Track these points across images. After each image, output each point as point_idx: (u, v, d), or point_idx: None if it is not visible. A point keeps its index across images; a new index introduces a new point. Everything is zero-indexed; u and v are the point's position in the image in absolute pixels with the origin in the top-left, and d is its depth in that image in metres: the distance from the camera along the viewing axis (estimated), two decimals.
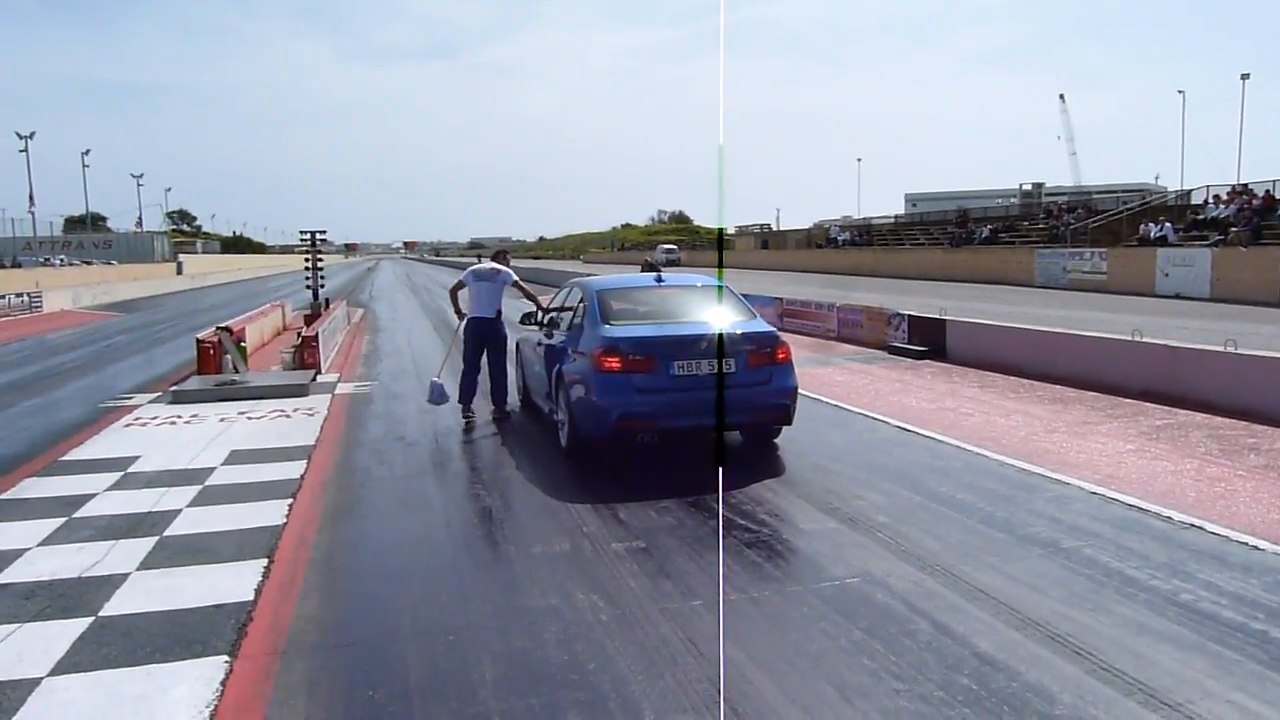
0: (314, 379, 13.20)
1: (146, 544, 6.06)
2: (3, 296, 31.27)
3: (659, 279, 8.94)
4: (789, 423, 8.08)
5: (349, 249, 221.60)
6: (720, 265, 62.16)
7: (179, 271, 67.29)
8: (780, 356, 7.84)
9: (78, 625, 4.78)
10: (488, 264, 10.52)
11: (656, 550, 5.70)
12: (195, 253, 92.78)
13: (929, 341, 14.76)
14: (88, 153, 70.75)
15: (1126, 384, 10.84)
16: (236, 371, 13.78)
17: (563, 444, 8.33)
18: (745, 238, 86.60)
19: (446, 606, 4.91)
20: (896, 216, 68.43)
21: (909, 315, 15.69)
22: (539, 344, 9.69)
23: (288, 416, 10.65)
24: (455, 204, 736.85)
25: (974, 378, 12.41)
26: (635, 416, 7.43)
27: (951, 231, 48.06)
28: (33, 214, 54.60)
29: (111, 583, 5.36)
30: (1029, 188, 77.13)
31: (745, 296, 22.31)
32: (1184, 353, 10.50)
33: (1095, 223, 36.82)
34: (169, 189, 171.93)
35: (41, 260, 53.39)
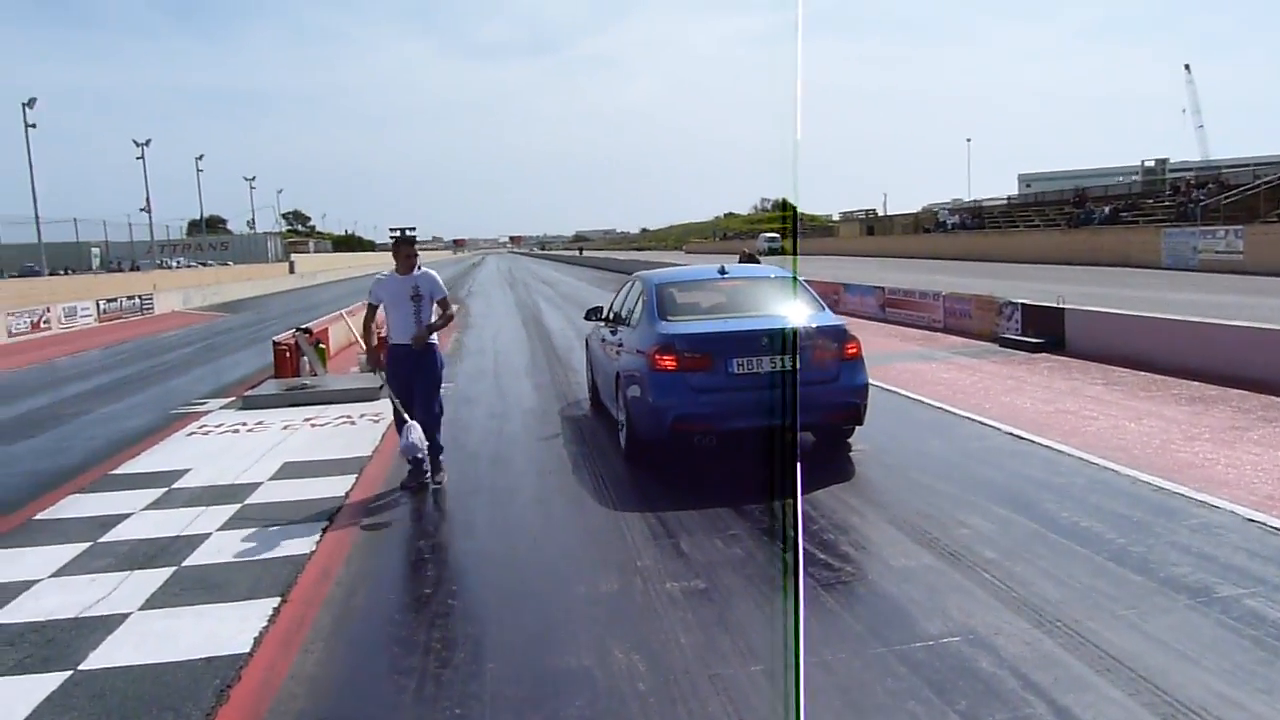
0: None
1: (160, 576, 5.51)
2: (115, 299, 32.18)
3: (722, 271, 8.38)
4: (860, 422, 7.55)
5: (457, 245, 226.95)
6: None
7: (290, 271, 69.13)
8: (849, 351, 7.36)
9: (51, 681, 4.21)
10: (398, 275, 7.25)
11: (718, 593, 4.86)
12: (307, 252, 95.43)
13: (1046, 332, 13.45)
14: (201, 157, 73.07)
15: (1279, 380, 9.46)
16: (314, 374, 13.48)
17: (622, 446, 7.88)
18: (850, 223, 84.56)
19: (460, 667, 4.17)
20: (1009, 198, 65.74)
21: (1022, 304, 14.39)
22: (604, 340, 9.10)
23: (353, 423, 10.16)
24: (559, 198, 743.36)
25: (1097, 374, 11.12)
26: (692, 418, 7.04)
27: (1069, 212, 45.65)
28: (149, 218, 56.51)
29: (107, 625, 4.80)
30: (1151, 164, 72.94)
31: (846, 285, 21.61)
32: None
33: (1229, 198, 34.17)
34: (280, 190, 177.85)
35: (159, 263, 55.31)
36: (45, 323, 27.16)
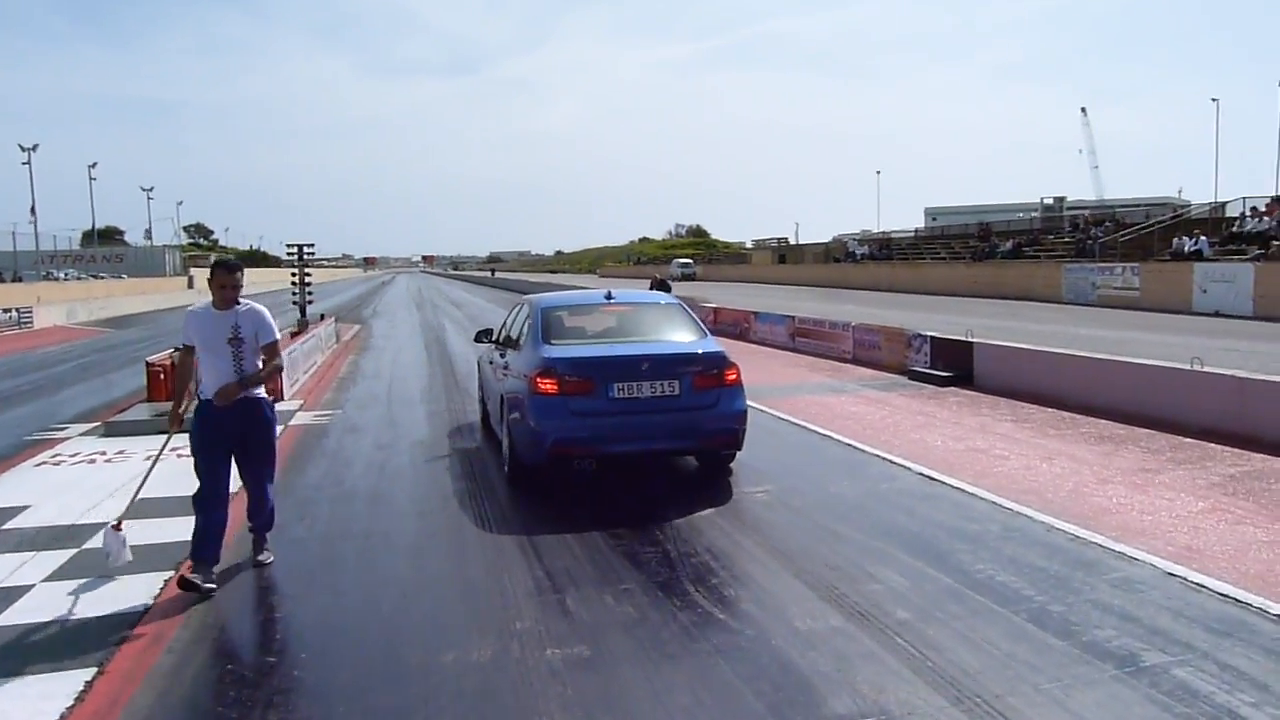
0: None
1: (60, 558, 4.76)
2: None
3: (609, 296, 8.43)
4: (738, 448, 7.65)
5: (368, 263, 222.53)
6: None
7: (189, 285, 66.44)
8: (729, 378, 7.42)
9: None
10: (214, 310, 5.59)
11: (602, 661, 4.31)
12: (208, 267, 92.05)
13: (954, 366, 13.30)
14: (95, 165, 70.32)
15: (1185, 420, 9.36)
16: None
17: (505, 469, 7.88)
18: (762, 251, 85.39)
19: None
20: (916, 230, 66.99)
21: (932, 337, 14.25)
22: (492, 363, 9.04)
23: None
24: (475, 218, 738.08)
25: (1006, 409, 10.95)
26: (572, 442, 7.01)
27: (973, 246, 46.56)
28: (34, 226, 53.73)
29: None
30: (1050, 201, 75.33)
31: (757, 314, 21.38)
32: (1255, 385, 9.01)
33: (1125, 236, 35.18)
34: (180, 202, 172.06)
35: (45, 274, 52.52)
36: None
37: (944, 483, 7.47)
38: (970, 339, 13.37)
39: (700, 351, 7.48)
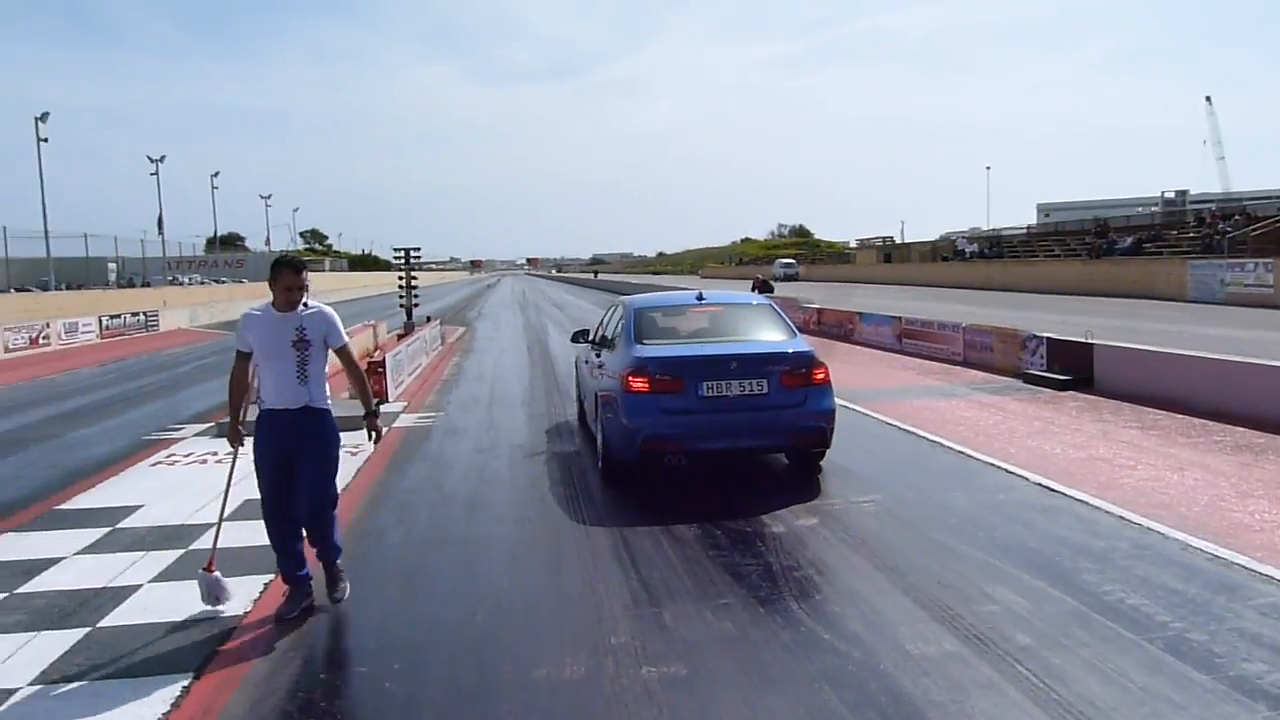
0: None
1: (67, 640, 4.80)
2: (119, 315, 31.71)
3: (699, 297, 8.68)
4: (826, 446, 7.72)
5: (474, 266, 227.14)
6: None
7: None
8: (817, 377, 7.50)
9: None
10: (275, 311, 5.06)
11: (699, 682, 4.10)
12: (322, 270, 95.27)
13: (1072, 369, 12.63)
14: (217, 174, 73.16)
15: None
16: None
17: (599, 465, 8.13)
18: (866, 251, 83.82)
19: None
20: (1029, 227, 64.95)
21: (1048, 338, 13.58)
22: (588, 362, 9.35)
23: None
24: (578, 220, 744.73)
25: (1131, 415, 10.31)
26: (662, 439, 7.23)
27: (1089, 242, 44.77)
28: (161, 234, 56.33)
29: None
30: (1172, 195, 72.06)
31: (862, 314, 20.85)
32: None
33: (1257, 230, 33.25)
34: (296, 209, 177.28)
35: (170, 280, 55.04)
36: (45, 338, 26.67)
37: (1065, 494, 7.02)
38: (1090, 340, 12.69)
39: (788, 351, 7.56)
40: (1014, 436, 9.38)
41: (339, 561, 5.26)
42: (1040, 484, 7.34)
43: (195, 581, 5.24)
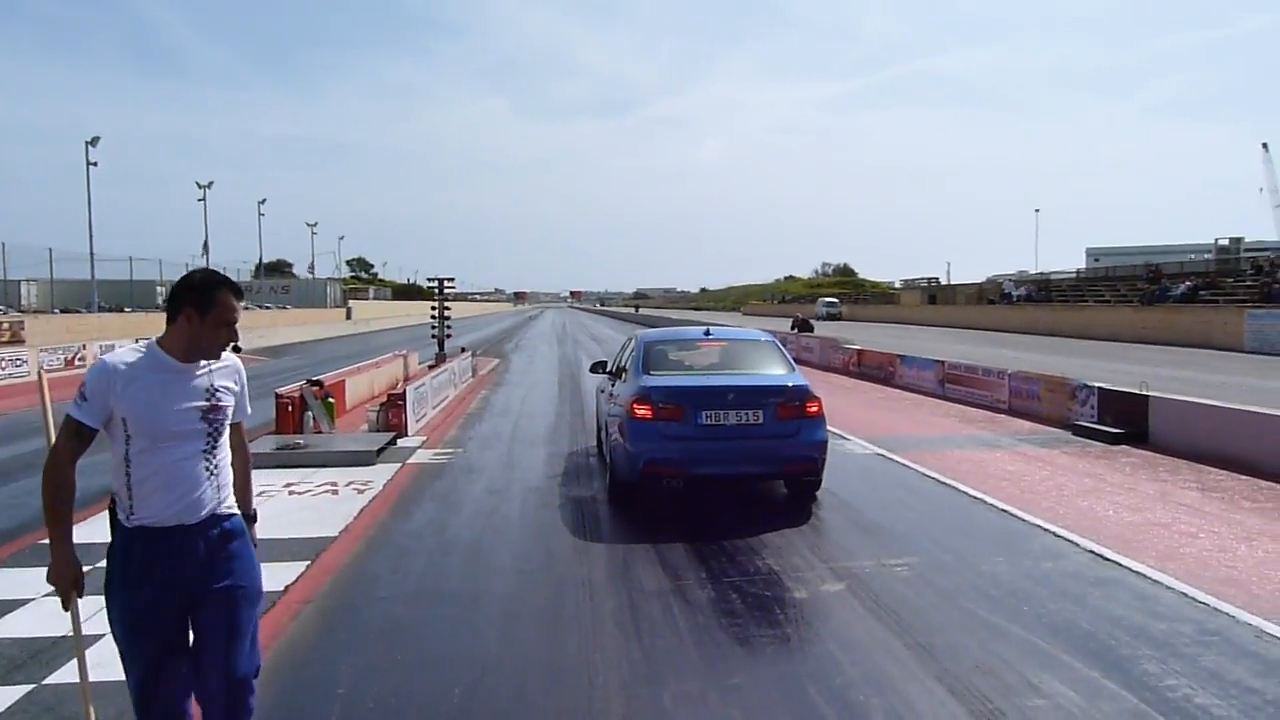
0: (392, 443, 11.67)
1: (8, 697, 4.36)
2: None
3: (707, 332, 9.22)
4: (817, 475, 8.12)
5: (518, 298, 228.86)
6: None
7: (347, 317, 69.29)
8: (810, 409, 7.90)
9: None
10: (169, 359, 3.07)
11: None
12: (367, 299, 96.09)
13: (1126, 421, 11.90)
14: (264, 201, 74.08)
15: None
16: (319, 431, 12.48)
17: (607, 483, 8.78)
18: (911, 292, 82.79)
19: None
20: (1078, 271, 63.61)
21: (1099, 387, 12.85)
22: (602, 391, 10.02)
23: (335, 493, 9.06)
24: (622, 254, 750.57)
25: (1190, 475, 9.58)
26: (663, 462, 7.65)
27: (1141, 288, 43.54)
28: (206, 259, 56.65)
29: None
30: (1226, 242, 70.13)
31: (903, 357, 20.18)
32: None
33: None
34: (342, 237, 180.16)
35: None
36: (80, 360, 26.72)
37: (1120, 564, 6.36)
38: (1145, 391, 11.95)
39: (783, 384, 8.01)
40: (1063, 495, 8.70)
41: None
42: (1093, 551, 6.69)
43: None
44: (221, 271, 3.46)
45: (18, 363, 24.13)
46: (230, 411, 3.18)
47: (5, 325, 29.37)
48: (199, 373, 3.10)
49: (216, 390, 3.13)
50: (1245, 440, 10.06)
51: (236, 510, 3.24)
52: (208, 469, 3.09)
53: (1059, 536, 7.13)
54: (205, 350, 3.11)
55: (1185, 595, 5.70)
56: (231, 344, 3.19)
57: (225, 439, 3.20)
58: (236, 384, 3.24)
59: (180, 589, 3.02)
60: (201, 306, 3.06)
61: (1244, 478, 9.30)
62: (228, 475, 3.20)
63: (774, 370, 8.44)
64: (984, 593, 5.81)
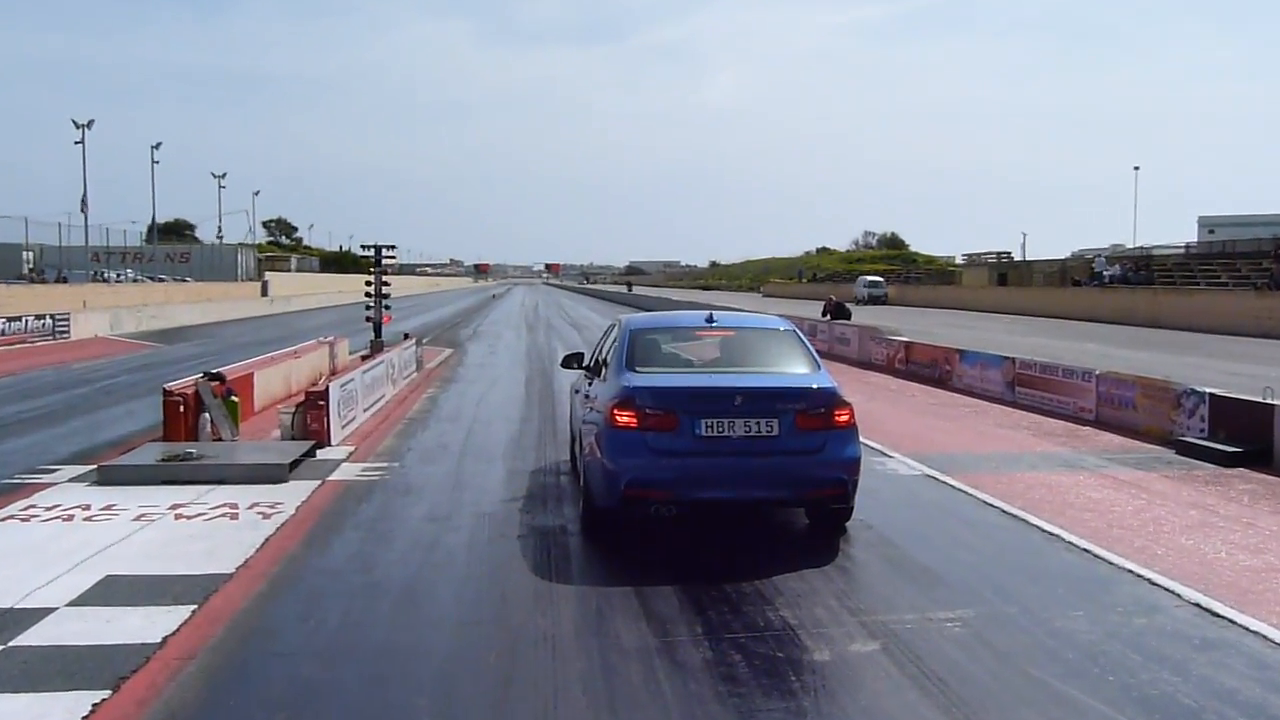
0: (310, 454, 11.63)
1: None
2: (19, 318, 31.69)
3: (709, 319, 9.03)
4: (847, 503, 8.02)
5: (479, 271, 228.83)
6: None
7: (264, 293, 69.32)
8: (839, 419, 7.80)
9: None
10: None
11: None
12: (288, 270, 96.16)
13: (1244, 437, 11.93)
14: (158, 146, 73.11)
15: None
16: (218, 438, 12.43)
17: (580, 512, 8.68)
18: (976, 270, 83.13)
19: None
20: (1188, 246, 63.92)
21: (1211, 394, 12.92)
22: (578, 391, 9.87)
23: (234, 517, 9.07)
24: (613, 220, 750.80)
25: None
26: (649, 484, 7.55)
27: (1267, 268, 43.74)
28: (85, 219, 56.45)
29: None
30: None
31: (962, 352, 20.26)
32: None
33: None
34: (257, 192, 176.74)
35: (95, 274, 55.39)
36: None
37: (1235, 622, 6.35)
38: (1271, 400, 11.98)
39: (805, 386, 7.97)
40: (1161, 531, 8.73)
41: None
42: (1198, 605, 6.71)
43: None
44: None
45: None
46: None
47: None
48: None
49: None
50: None
51: None
52: None
53: (1155, 585, 7.17)
54: None
55: None
56: None
57: None
58: None
59: None
60: None
61: None
62: None
63: (794, 368, 8.36)
64: (1055, 656, 5.82)
